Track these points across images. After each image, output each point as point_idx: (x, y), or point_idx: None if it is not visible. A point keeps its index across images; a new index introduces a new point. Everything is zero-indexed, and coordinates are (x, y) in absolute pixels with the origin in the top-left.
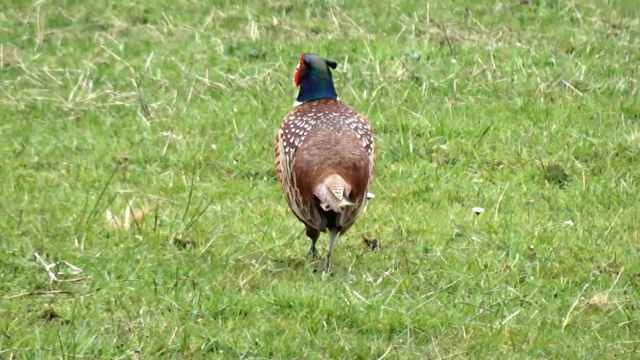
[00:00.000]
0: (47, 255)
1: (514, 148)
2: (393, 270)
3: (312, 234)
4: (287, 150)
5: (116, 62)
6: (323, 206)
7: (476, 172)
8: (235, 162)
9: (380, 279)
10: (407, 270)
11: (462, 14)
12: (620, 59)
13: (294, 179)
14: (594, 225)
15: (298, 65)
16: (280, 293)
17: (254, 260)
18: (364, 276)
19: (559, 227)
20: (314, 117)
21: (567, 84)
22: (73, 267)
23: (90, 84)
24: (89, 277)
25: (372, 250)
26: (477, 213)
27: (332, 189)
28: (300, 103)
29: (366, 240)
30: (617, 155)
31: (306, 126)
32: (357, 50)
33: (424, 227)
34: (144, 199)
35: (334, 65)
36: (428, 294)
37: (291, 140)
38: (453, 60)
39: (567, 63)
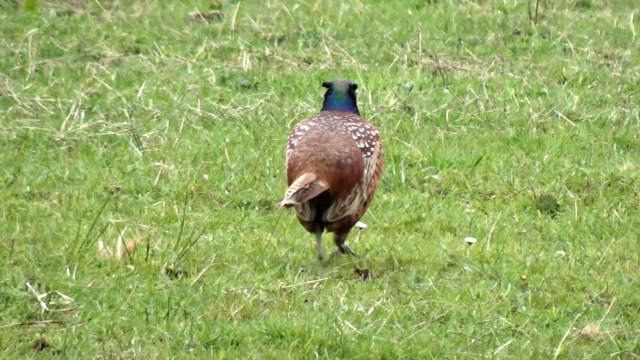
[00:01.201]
0: (39, 285)
1: (507, 178)
2: (385, 300)
3: (310, 230)
4: (288, 151)
5: (108, 92)
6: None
7: (468, 202)
8: (227, 192)
9: (372, 309)
10: (399, 300)
11: (454, 44)
12: (613, 89)
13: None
14: (586, 255)
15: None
16: (272, 323)
17: (246, 290)
18: (356, 306)
19: (551, 257)
20: (317, 120)
21: (560, 114)
22: (65, 296)
23: (82, 114)
24: (80, 306)
25: (364, 280)
26: (470, 243)
27: (289, 188)
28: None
29: (358, 270)
30: (610, 185)
31: (306, 128)
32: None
33: (416, 257)
34: (136, 229)
35: (355, 87)
36: (420, 323)
37: (292, 142)
38: (445, 90)
39: (559, 93)
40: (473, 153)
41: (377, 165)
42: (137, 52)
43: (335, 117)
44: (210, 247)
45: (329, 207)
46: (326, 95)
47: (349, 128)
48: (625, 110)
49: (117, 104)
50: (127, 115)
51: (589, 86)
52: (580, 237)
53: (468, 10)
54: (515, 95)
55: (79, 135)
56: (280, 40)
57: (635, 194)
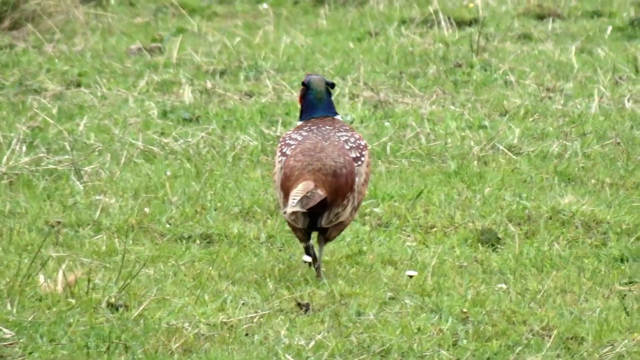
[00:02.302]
0: None
1: (448, 211)
2: (326, 334)
3: (302, 237)
4: (279, 159)
5: (50, 126)
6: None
7: (409, 236)
8: (168, 226)
9: (312, 343)
10: (340, 334)
11: (395, 77)
12: (554, 122)
13: (280, 184)
14: (527, 288)
15: (299, 90)
16: (213, 357)
17: (187, 324)
18: (297, 339)
19: (492, 290)
20: (308, 129)
21: (501, 147)
22: (5, 330)
23: (24, 148)
24: (21, 340)
25: (305, 313)
26: (411, 276)
27: (292, 195)
28: (300, 123)
29: (299, 304)
30: (551, 218)
31: (299, 137)
32: (291, 113)
33: (357, 290)
34: (77, 263)
35: (332, 86)
36: (361, 357)
37: (284, 150)
38: (387, 124)
39: (500, 126)
40: (414, 186)
41: (366, 174)
42: (78, 85)
43: (327, 126)
44: (151, 281)
45: (322, 214)
46: (305, 95)
47: (341, 138)
48: (567, 143)
49: (59, 138)
50: (68, 149)
51: (530, 119)
52: (521, 270)
53: (410, 43)
54: (457, 128)
55: (20, 169)
56: (222, 73)
57: (577, 227)
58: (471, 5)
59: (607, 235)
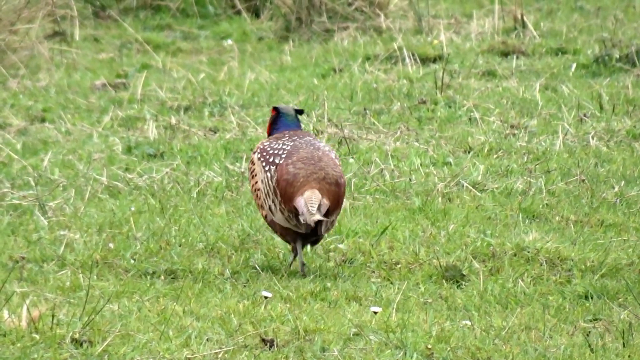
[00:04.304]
0: None
1: (412, 248)
2: None
3: (292, 240)
4: (267, 168)
5: (14, 161)
6: (300, 219)
7: (374, 272)
8: (132, 261)
9: None
10: None
11: (360, 113)
12: (519, 159)
13: (277, 190)
14: (492, 325)
15: (268, 118)
16: None
17: (151, 359)
18: None
19: (456, 326)
20: (290, 140)
21: (465, 184)
22: None
23: None
24: None
25: (270, 349)
26: (375, 312)
27: (309, 203)
28: (269, 137)
29: (263, 340)
30: (515, 255)
31: (285, 147)
32: None
33: (321, 327)
34: (41, 298)
35: (301, 112)
36: None
37: (270, 160)
38: (351, 160)
39: (465, 163)
40: (379, 222)
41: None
42: (43, 120)
43: (308, 137)
44: (115, 316)
45: (322, 222)
46: (275, 119)
47: (325, 148)
48: (531, 180)
49: (23, 173)
50: (32, 184)
51: (494, 156)
52: (486, 306)
53: (374, 79)
54: (421, 164)
55: None
56: (187, 109)
57: (541, 264)
58: (435, 42)
59: (571, 273)
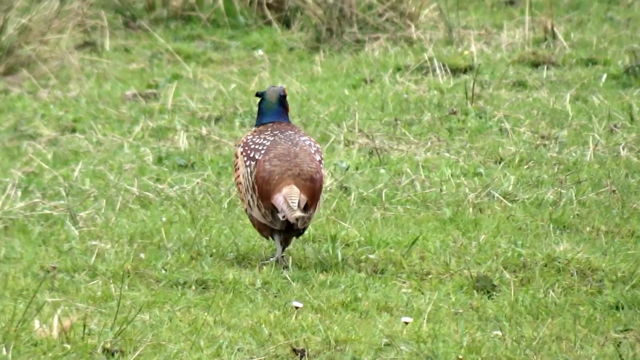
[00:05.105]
0: None
1: (443, 258)
2: None
3: (269, 235)
4: (247, 163)
5: (45, 171)
6: (280, 215)
7: (405, 282)
8: (163, 271)
9: None
10: None
11: (391, 124)
12: (549, 169)
13: (255, 187)
14: (523, 335)
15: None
16: None
17: None
18: None
19: (487, 337)
20: (271, 134)
21: (496, 195)
22: None
23: (19, 193)
24: None
25: (301, 359)
26: (406, 323)
27: (288, 199)
28: (255, 127)
29: (294, 350)
30: (546, 265)
31: (265, 142)
32: None
33: (352, 337)
34: (73, 308)
35: (284, 97)
36: None
37: (251, 155)
38: (382, 170)
39: (495, 173)
40: (409, 233)
41: (323, 176)
42: (73, 131)
43: (290, 131)
44: (146, 326)
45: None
46: (259, 106)
47: (306, 142)
48: (562, 190)
49: (54, 183)
50: (63, 194)
51: (525, 166)
52: (517, 317)
53: (404, 90)
54: (452, 175)
55: (15, 214)
56: (217, 119)
57: (572, 275)
58: (466, 52)
59: (602, 283)
